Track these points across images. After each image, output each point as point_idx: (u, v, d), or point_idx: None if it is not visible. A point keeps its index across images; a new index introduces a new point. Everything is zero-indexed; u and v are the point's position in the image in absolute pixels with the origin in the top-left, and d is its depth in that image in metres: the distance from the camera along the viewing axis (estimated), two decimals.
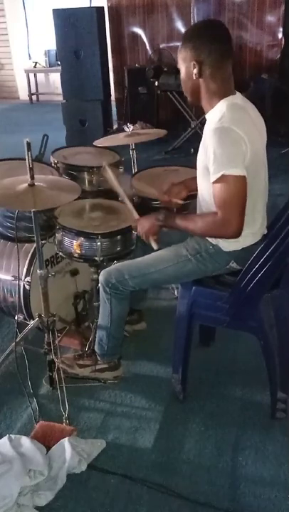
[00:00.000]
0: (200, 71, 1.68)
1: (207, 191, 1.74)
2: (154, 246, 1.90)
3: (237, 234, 1.64)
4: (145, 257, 1.94)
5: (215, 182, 1.61)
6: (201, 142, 1.73)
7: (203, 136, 1.72)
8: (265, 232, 1.84)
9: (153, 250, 1.96)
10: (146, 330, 2.47)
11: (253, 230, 1.79)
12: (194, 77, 1.70)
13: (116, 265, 1.97)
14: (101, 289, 1.97)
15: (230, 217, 1.62)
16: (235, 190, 1.60)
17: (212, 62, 1.66)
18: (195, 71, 1.68)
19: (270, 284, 1.80)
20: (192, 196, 1.97)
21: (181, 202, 2.01)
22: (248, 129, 1.63)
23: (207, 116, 1.75)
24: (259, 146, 1.72)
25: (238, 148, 1.60)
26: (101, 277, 1.94)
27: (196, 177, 1.85)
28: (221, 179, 1.59)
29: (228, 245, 1.79)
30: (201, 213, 1.83)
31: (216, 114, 1.68)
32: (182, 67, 1.74)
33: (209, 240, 1.81)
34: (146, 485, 1.69)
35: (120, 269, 1.93)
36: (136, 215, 2.00)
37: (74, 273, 2.35)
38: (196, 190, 1.88)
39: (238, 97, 1.74)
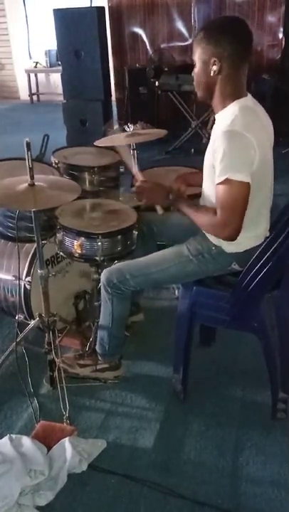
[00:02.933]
0: (220, 69, 1.64)
1: (211, 192, 1.74)
2: (159, 211, 1.93)
3: (232, 237, 1.65)
4: (147, 257, 1.94)
5: (219, 183, 1.61)
6: (210, 141, 1.72)
7: (213, 135, 1.70)
8: (267, 234, 1.84)
9: (154, 251, 1.96)
10: (146, 330, 2.47)
11: (257, 233, 1.79)
12: (212, 74, 1.65)
13: (117, 265, 1.97)
14: (102, 289, 1.97)
15: (228, 221, 1.63)
16: (237, 195, 1.60)
17: (233, 62, 1.63)
18: (214, 68, 1.64)
19: (271, 284, 1.80)
20: (197, 196, 1.96)
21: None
22: (258, 134, 1.62)
23: (218, 116, 1.73)
24: (267, 151, 1.71)
25: (246, 154, 1.59)
26: (102, 277, 1.94)
27: (195, 172, 1.85)
28: (225, 182, 1.59)
29: (230, 247, 1.79)
30: (206, 207, 1.81)
31: (228, 115, 1.65)
32: (199, 61, 1.68)
33: (212, 241, 1.81)
34: (147, 485, 1.69)
35: (122, 268, 1.93)
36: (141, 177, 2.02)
37: (83, 274, 2.34)
38: (195, 185, 1.88)
39: (249, 99, 1.72)
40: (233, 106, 1.68)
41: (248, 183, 1.60)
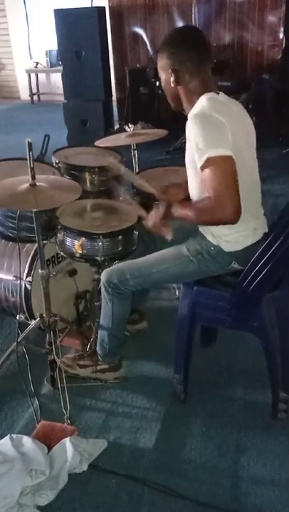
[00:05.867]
0: (177, 78, 1.72)
1: (198, 192, 1.74)
2: (168, 236, 1.85)
3: (234, 215, 1.57)
4: (147, 257, 1.94)
5: (202, 168, 1.58)
6: (186, 141, 1.71)
7: (186, 131, 1.69)
8: (266, 230, 1.84)
9: (155, 250, 1.96)
10: (147, 330, 2.47)
11: (249, 226, 1.77)
12: (172, 85, 1.74)
13: (118, 265, 1.97)
14: (103, 289, 1.97)
15: (223, 199, 1.56)
16: (224, 170, 1.56)
17: (189, 68, 1.70)
18: (172, 79, 1.72)
19: (271, 284, 1.80)
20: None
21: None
22: (229, 120, 1.62)
23: (189, 114, 1.73)
24: (243, 142, 1.71)
25: (219, 130, 1.59)
26: (103, 277, 1.95)
27: (179, 183, 1.85)
28: (208, 163, 1.56)
29: (229, 246, 1.79)
30: (197, 199, 1.79)
31: (196, 107, 1.70)
32: (162, 75, 1.78)
33: (210, 240, 1.81)
34: (148, 485, 1.69)
35: (122, 269, 1.93)
36: (144, 213, 1.98)
37: (72, 273, 2.34)
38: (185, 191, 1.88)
39: (221, 96, 1.75)
40: (201, 99, 1.71)
41: (231, 156, 1.56)
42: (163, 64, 1.75)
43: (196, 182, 1.73)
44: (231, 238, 1.77)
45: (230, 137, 1.59)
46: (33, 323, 2.18)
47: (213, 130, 1.59)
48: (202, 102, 1.69)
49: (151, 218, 1.87)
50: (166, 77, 1.76)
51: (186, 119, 1.71)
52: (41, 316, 2.09)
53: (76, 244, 2.00)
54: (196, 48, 1.71)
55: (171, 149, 5.53)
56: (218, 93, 1.75)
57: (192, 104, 1.73)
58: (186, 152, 1.74)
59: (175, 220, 1.84)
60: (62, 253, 2.13)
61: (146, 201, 2.24)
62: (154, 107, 5.94)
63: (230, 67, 5.80)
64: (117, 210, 2.21)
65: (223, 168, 1.56)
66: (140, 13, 6.21)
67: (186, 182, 2.01)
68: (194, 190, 1.79)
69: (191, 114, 1.69)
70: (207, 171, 1.58)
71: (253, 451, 1.82)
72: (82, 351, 2.23)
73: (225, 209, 1.56)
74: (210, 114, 1.62)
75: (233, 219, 1.58)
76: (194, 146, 1.60)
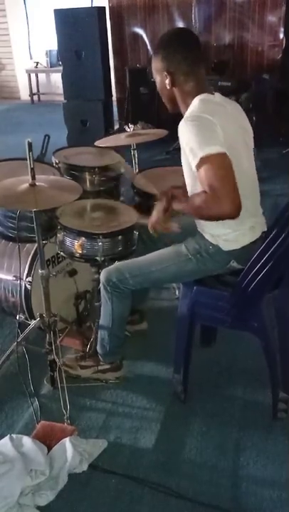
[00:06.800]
0: (172, 81, 1.73)
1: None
2: (175, 229, 1.85)
3: (232, 211, 1.55)
4: (146, 256, 1.94)
5: (197, 168, 1.58)
6: (180, 144, 1.70)
7: (179, 135, 1.68)
8: (265, 229, 1.84)
9: (154, 250, 1.95)
10: (147, 330, 2.47)
11: (247, 225, 1.77)
12: (168, 87, 1.75)
13: (117, 264, 1.97)
14: (102, 288, 1.97)
15: (220, 194, 1.54)
16: (218, 166, 1.55)
17: (183, 69, 1.71)
18: (167, 81, 1.73)
19: (271, 284, 1.80)
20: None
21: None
22: (222, 120, 1.63)
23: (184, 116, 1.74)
24: (239, 140, 1.71)
25: (210, 130, 1.59)
26: (102, 276, 1.95)
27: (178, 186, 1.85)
28: (202, 162, 1.56)
29: (227, 245, 1.79)
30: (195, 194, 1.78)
31: (189, 110, 1.70)
32: (157, 77, 1.79)
33: (209, 240, 1.81)
34: (148, 485, 1.69)
35: (121, 268, 1.93)
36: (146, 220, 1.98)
37: (72, 274, 2.34)
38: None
39: (216, 97, 1.75)
40: (194, 101, 1.71)
41: (224, 153, 1.56)
42: (158, 66, 1.76)
43: (193, 185, 1.73)
44: (230, 237, 1.77)
45: (223, 136, 1.59)
46: (33, 323, 2.18)
47: (204, 130, 1.59)
48: (194, 103, 1.70)
49: (153, 217, 1.87)
50: (161, 79, 1.77)
51: None
52: (41, 316, 2.09)
53: (76, 245, 2.00)
54: (189, 49, 1.72)
55: (171, 149, 5.52)
56: (214, 93, 1.75)
57: (187, 105, 1.73)
58: (182, 156, 1.74)
59: (175, 214, 1.84)
60: (62, 253, 2.13)
61: (147, 201, 2.25)
62: (154, 106, 5.93)
63: (230, 67, 5.80)
64: (117, 210, 2.21)
65: (217, 164, 1.56)
66: (140, 13, 6.21)
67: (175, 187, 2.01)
68: (193, 192, 1.78)
69: (183, 119, 1.68)
70: (202, 170, 1.57)
71: (253, 451, 1.82)
72: (82, 351, 2.23)
73: (222, 204, 1.55)
74: (199, 115, 1.63)
75: (232, 213, 1.56)
76: (187, 149, 1.60)
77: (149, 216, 1.91)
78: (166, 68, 1.72)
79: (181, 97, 1.75)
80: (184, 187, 1.95)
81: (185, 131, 1.61)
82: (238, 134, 1.72)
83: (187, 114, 1.69)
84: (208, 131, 1.59)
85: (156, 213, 1.86)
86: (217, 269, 1.86)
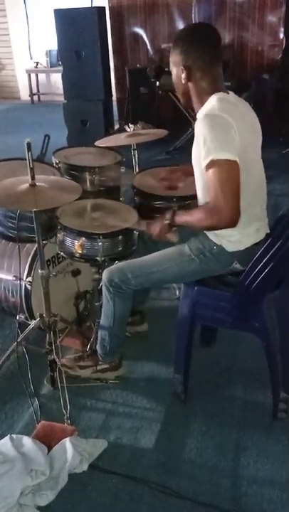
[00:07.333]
0: (189, 75, 1.71)
1: (201, 192, 1.74)
2: (174, 240, 1.88)
3: (231, 220, 1.57)
4: (148, 256, 1.94)
5: (206, 168, 1.59)
6: (195, 139, 1.71)
7: (195, 130, 1.69)
8: (268, 231, 1.84)
9: (155, 250, 1.95)
10: (148, 330, 2.46)
11: (253, 228, 1.78)
12: (183, 81, 1.73)
13: (119, 264, 1.97)
14: (104, 288, 1.97)
15: (221, 204, 1.56)
16: (226, 174, 1.56)
17: (201, 65, 1.69)
18: (183, 75, 1.71)
19: (272, 284, 1.80)
20: (194, 196, 1.96)
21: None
22: (237, 121, 1.62)
23: (198, 114, 1.74)
24: (250, 142, 1.71)
25: (227, 133, 1.59)
26: (104, 276, 1.94)
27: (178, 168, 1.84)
28: (211, 164, 1.56)
29: (231, 245, 1.78)
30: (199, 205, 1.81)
31: (206, 106, 1.69)
32: (173, 70, 1.77)
33: (213, 240, 1.81)
34: (148, 485, 1.69)
35: (123, 268, 1.92)
36: (144, 224, 1.97)
37: (75, 273, 2.34)
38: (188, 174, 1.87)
39: (231, 96, 1.75)
40: (211, 98, 1.70)
41: (236, 161, 1.56)
42: (175, 59, 1.73)
43: (202, 182, 1.72)
44: (234, 238, 1.77)
45: (238, 139, 1.59)
46: (33, 323, 2.18)
47: (222, 132, 1.59)
48: (212, 101, 1.68)
49: (155, 230, 1.87)
50: (177, 72, 1.75)
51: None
52: (41, 316, 2.09)
53: (76, 245, 2.00)
54: (209, 46, 1.70)
55: (171, 149, 5.53)
56: (228, 92, 1.74)
57: (202, 102, 1.72)
58: (193, 152, 1.73)
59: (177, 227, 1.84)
60: (62, 253, 2.13)
61: (147, 203, 2.25)
62: (154, 107, 5.94)
63: (230, 67, 5.80)
64: (117, 210, 2.20)
65: (226, 172, 1.57)
66: (140, 13, 6.21)
67: (184, 165, 2.00)
68: (200, 190, 1.79)
69: (200, 114, 1.68)
70: (210, 172, 1.58)
71: (253, 451, 1.82)
72: (82, 351, 2.23)
73: (222, 213, 1.57)
74: (220, 115, 1.61)
75: (230, 223, 1.59)
76: (201, 143, 1.59)
77: (146, 220, 1.91)
78: (184, 62, 1.70)
79: (195, 92, 1.73)
80: (182, 167, 1.95)
81: (203, 128, 1.60)
82: (250, 135, 1.72)
83: (205, 110, 1.67)
84: (226, 133, 1.59)
85: (158, 229, 1.85)
86: (220, 269, 1.86)
